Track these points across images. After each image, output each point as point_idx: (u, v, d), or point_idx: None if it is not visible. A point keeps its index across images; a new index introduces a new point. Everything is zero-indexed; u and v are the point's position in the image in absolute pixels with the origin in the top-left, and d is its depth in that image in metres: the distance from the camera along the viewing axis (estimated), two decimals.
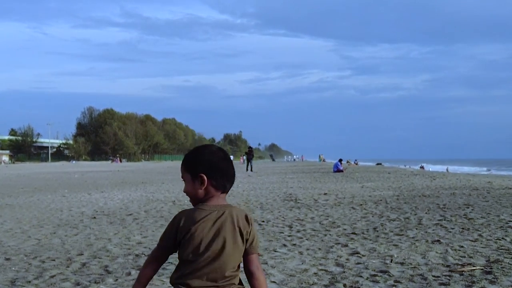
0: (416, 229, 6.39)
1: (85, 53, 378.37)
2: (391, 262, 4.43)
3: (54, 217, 8.51)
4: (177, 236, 1.78)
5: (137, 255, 5.01)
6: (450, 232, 6.13)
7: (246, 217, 1.83)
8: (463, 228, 6.38)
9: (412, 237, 5.74)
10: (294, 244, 5.45)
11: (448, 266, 4.30)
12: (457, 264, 4.34)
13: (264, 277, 1.87)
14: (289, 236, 6.05)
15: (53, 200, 12.12)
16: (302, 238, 5.87)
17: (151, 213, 8.82)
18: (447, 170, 42.67)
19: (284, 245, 5.39)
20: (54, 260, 4.89)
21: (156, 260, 1.85)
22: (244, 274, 1.86)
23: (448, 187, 14.14)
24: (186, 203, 10.66)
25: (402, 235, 5.93)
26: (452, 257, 4.65)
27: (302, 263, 4.49)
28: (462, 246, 5.15)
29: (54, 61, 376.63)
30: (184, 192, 1.88)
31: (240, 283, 1.83)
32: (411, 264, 4.36)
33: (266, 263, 4.41)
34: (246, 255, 1.83)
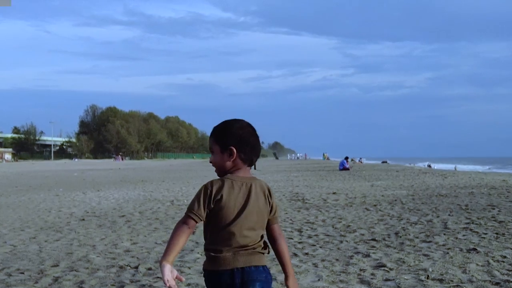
0: (444, 234, 5.60)
1: (88, 51, 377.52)
2: (427, 278, 3.65)
3: (40, 219, 7.77)
4: (211, 204, 1.82)
5: (121, 267, 4.25)
6: (484, 238, 5.34)
7: (269, 190, 1.93)
8: (497, 233, 5.60)
9: (443, 245, 4.96)
10: (307, 254, 4.68)
11: (497, 283, 3.52)
12: (508, 281, 3.56)
13: (286, 243, 1.98)
14: (299, 242, 5.28)
15: (45, 199, 11.41)
16: (315, 245, 5.10)
17: (146, 215, 8.07)
18: (455, 168, 41.74)
19: (295, 255, 4.62)
20: (23, 273, 4.15)
21: (188, 229, 1.84)
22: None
23: (464, 186, 13.34)
24: (185, 203, 9.92)
25: (430, 242, 5.15)
26: (497, 271, 3.87)
27: (319, 279, 3.72)
28: (504, 257, 4.37)
29: (57, 59, 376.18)
30: (211, 162, 1.94)
31: (265, 246, 1.90)
32: (452, 281, 3.59)
33: (275, 279, 3.63)
34: (269, 225, 1.93)
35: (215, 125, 1.98)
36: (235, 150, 1.87)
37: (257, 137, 1.95)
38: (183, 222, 1.84)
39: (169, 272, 1.74)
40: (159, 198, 11.05)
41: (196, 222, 1.84)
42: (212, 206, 1.83)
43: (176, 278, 1.76)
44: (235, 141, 1.88)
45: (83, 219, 7.63)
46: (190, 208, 1.85)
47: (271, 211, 1.91)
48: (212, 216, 1.84)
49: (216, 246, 1.82)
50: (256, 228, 1.85)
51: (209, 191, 1.83)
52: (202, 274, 1.89)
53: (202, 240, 5.22)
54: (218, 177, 1.91)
